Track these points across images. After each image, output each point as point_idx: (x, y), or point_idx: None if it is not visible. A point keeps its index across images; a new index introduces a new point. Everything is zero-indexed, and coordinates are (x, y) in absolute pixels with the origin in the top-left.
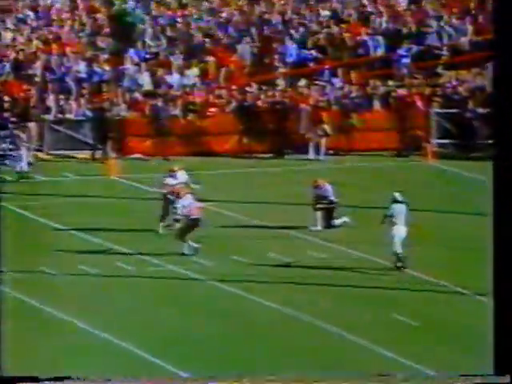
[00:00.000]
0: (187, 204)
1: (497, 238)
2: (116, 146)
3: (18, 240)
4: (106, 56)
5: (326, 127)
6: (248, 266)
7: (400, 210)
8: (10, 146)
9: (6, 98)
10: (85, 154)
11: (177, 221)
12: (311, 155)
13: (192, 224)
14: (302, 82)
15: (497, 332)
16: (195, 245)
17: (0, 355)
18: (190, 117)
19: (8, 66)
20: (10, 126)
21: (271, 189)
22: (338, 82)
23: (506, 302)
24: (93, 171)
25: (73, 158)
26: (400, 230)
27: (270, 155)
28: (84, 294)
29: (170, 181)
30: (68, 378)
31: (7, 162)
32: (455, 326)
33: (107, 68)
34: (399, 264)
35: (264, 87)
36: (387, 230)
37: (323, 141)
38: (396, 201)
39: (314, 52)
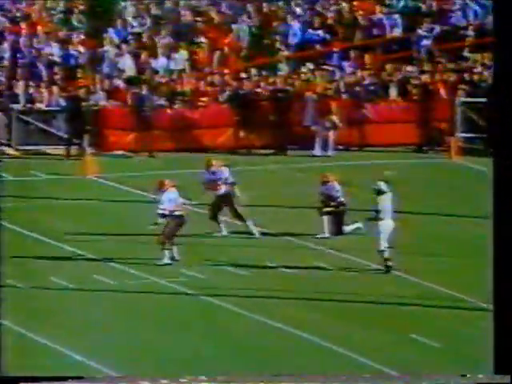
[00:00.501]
0: (173, 198)
1: (497, 238)
2: (94, 141)
3: None
4: (81, 37)
5: (335, 119)
6: (244, 279)
7: (387, 201)
8: None
9: None
10: (58, 150)
11: (163, 216)
12: (317, 151)
13: (178, 222)
14: (308, 67)
15: (497, 332)
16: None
17: (0, 355)
18: (179, 107)
19: None
20: None
21: (271, 189)
22: (348, 66)
23: (506, 302)
24: (68, 170)
25: (45, 154)
26: (388, 226)
27: (271, 151)
28: (55, 310)
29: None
30: (68, 378)
31: None
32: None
33: (83, 50)
34: (388, 263)
35: (263, 73)
36: (372, 227)
37: (331, 134)
38: (381, 191)
39: (321, 32)
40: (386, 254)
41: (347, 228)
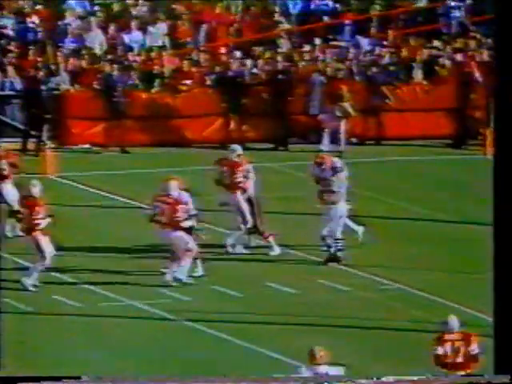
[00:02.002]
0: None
1: (497, 238)
2: (55, 133)
3: None
4: (38, 7)
5: (347, 106)
6: (238, 301)
7: (343, 181)
8: None
9: None
10: (13, 144)
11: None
12: (326, 145)
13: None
14: (314, 44)
15: (497, 332)
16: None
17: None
18: (156, 91)
19: None
20: None
21: (269, 191)
22: (364, 42)
23: (505, 301)
24: (24, 167)
25: None
26: (342, 212)
27: (269, 145)
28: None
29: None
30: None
31: None
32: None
33: (39, 22)
34: (332, 254)
35: (260, 50)
36: (324, 210)
37: (343, 125)
38: (336, 169)
39: (330, 1)
40: (329, 241)
41: (354, 226)
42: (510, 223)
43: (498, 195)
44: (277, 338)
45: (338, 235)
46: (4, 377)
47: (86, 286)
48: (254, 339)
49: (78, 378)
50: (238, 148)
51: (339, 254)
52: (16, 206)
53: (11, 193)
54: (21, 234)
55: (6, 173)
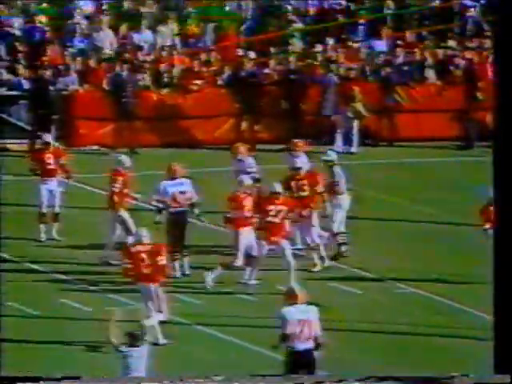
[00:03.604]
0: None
1: (497, 238)
2: (63, 134)
3: None
4: (44, 5)
5: (359, 106)
6: (249, 305)
7: (341, 173)
8: None
9: None
10: (20, 145)
11: (159, 211)
12: (339, 146)
13: (174, 220)
14: (327, 43)
15: (497, 332)
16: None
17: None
18: (167, 91)
19: None
20: None
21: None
22: (377, 42)
23: (506, 301)
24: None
25: (4, 149)
26: (346, 204)
27: (280, 146)
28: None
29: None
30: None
31: None
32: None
33: (45, 21)
34: (342, 250)
35: (272, 50)
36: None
37: (355, 126)
38: (331, 161)
39: (343, 0)
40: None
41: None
42: (510, 224)
43: (498, 196)
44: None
45: (342, 228)
46: (4, 376)
47: (94, 288)
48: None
49: (78, 378)
50: (246, 179)
51: (343, 248)
52: (45, 209)
53: (51, 192)
54: (57, 237)
55: (51, 167)
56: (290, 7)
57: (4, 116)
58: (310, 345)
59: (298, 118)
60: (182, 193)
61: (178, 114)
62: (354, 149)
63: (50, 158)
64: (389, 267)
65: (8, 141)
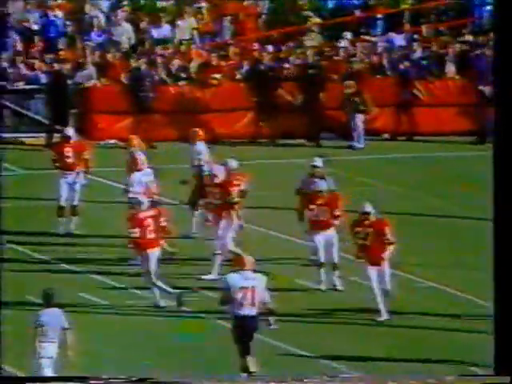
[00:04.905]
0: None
1: (497, 236)
2: (81, 128)
3: None
4: (61, 1)
5: (362, 100)
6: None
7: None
8: None
9: None
10: (37, 139)
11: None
12: (353, 141)
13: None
14: (345, 38)
15: (497, 332)
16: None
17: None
18: (185, 85)
19: None
20: None
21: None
22: (396, 36)
23: (506, 300)
24: (48, 163)
25: (20, 143)
26: None
27: (299, 141)
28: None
29: None
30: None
31: None
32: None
33: (63, 16)
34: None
35: (290, 44)
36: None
37: (359, 120)
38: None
39: None
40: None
41: None
42: (510, 221)
43: (498, 193)
44: (309, 336)
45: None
46: (6, 376)
47: (114, 283)
48: (287, 338)
49: (85, 378)
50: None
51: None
52: (63, 203)
53: (70, 186)
54: (75, 230)
55: (71, 161)
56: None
57: (21, 110)
58: (254, 311)
59: (316, 112)
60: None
61: (196, 108)
62: (358, 144)
63: (69, 152)
64: (409, 261)
65: (24, 134)
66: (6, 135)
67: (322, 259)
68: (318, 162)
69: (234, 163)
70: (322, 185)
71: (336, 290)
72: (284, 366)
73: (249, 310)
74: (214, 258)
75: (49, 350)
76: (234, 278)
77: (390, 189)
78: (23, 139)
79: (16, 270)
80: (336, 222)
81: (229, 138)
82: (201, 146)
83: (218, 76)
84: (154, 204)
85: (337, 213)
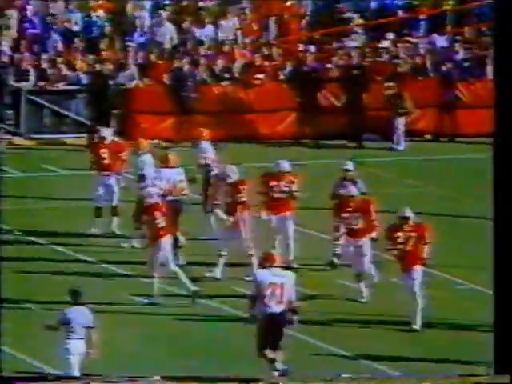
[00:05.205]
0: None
1: (497, 234)
2: (122, 128)
3: None
4: (102, 1)
5: (407, 103)
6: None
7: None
8: None
9: None
10: (78, 139)
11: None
12: (396, 142)
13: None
14: (388, 39)
15: (497, 331)
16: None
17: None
18: (228, 86)
19: None
20: None
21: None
22: (438, 38)
23: (506, 300)
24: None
25: (61, 144)
26: None
27: (342, 142)
28: None
29: None
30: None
31: None
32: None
33: (104, 16)
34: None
35: (334, 45)
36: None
37: (400, 122)
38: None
39: None
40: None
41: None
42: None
43: (498, 193)
44: (348, 338)
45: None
46: (4, 376)
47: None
48: (325, 339)
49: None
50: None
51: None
52: (100, 204)
53: (108, 187)
54: (116, 231)
55: (107, 162)
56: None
57: (61, 110)
58: (282, 308)
59: (359, 113)
60: (181, 182)
61: (239, 108)
62: (397, 145)
63: (105, 153)
64: (448, 263)
65: (65, 135)
66: (47, 136)
67: (358, 269)
68: (350, 165)
69: (286, 165)
70: (354, 189)
71: (360, 302)
72: (324, 367)
73: (276, 307)
74: (220, 258)
75: (76, 346)
76: (263, 274)
77: (430, 190)
78: (64, 139)
79: (57, 271)
80: (370, 230)
81: (271, 138)
82: (206, 146)
83: (261, 76)
84: (181, 202)
85: (370, 219)
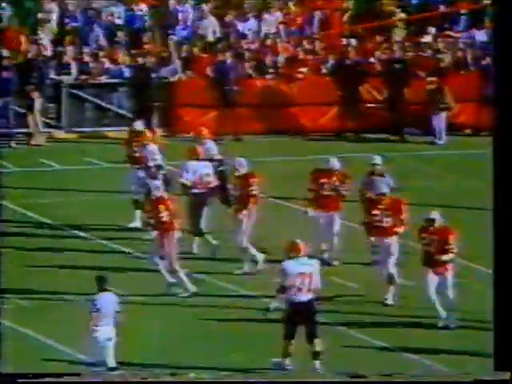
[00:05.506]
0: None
1: (497, 233)
2: (165, 121)
3: (18, 257)
4: None
5: (448, 98)
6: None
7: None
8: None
9: (6, 53)
10: (119, 132)
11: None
12: (437, 136)
13: (194, 204)
14: (429, 33)
15: (497, 329)
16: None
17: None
18: (271, 79)
19: (9, 8)
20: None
21: None
22: (478, 32)
23: (506, 299)
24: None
25: (103, 137)
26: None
27: (383, 136)
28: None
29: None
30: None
31: (13, 144)
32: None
33: (147, 10)
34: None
35: (377, 38)
36: None
37: (442, 116)
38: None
39: None
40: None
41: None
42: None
43: (498, 193)
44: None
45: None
46: (5, 373)
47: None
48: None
49: (78, 374)
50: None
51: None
52: (137, 196)
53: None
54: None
55: (141, 155)
56: None
57: (103, 103)
58: (310, 296)
59: (400, 107)
60: (207, 175)
61: (282, 101)
62: (438, 139)
63: (138, 146)
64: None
65: (107, 128)
66: (88, 129)
67: (390, 270)
68: (378, 159)
69: (336, 163)
70: (384, 186)
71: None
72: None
73: (305, 296)
74: (245, 253)
75: (105, 332)
76: (291, 265)
77: (470, 184)
78: (105, 132)
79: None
80: (399, 230)
81: (315, 131)
82: (209, 143)
83: (303, 70)
84: (206, 195)
85: (400, 219)
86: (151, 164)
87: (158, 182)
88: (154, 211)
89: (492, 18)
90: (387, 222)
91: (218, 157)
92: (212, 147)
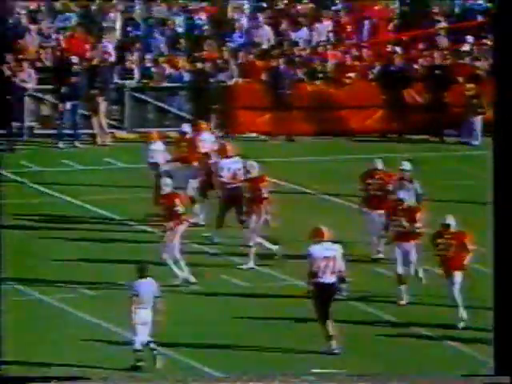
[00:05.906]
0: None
1: (497, 231)
2: (222, 122)
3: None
4: (203, 4)
5: (484, 102)
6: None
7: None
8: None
9: (74, 59)
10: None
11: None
12: (471, 138)
13: (229, 198)
14: (468, 41)
15: (497, 332)
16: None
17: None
18: (321, 84)
19: (76, 17)
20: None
21: (426, 181)
22: None
23: (506, 300)
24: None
25: (164, 137)
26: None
27: (423, 137)
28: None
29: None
30: (69, 378)
31: (77, 143)
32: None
33: (205, 18)
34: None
35: (421, 46)
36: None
37: (479, 120)
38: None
39: (482, 1)
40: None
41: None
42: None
43: (498, 194)
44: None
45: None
46: (5, 377)
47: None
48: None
49: (79, 378)
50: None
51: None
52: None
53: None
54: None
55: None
56: (436, 8)
57: (165, 106)
58: (334, 279)
59: (442, 110)
60: (239, 170)
61: (331, 104)
62: (474, 141)
63: (184, 146)
64: None
65: (168, 129)
66: (149, 130)
67: (400, 271)
68: (406, 165)
69: (379, 164)
70: (406, 194)
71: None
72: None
73: (329, 279)
74: (250, 249)
75: (142, 315)
76: (317, 249)
77: None
78: (167, 133)
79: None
80: (415, 236)
81: (361, 132)
82: (206, 136)
83: (351, 75)
84: (240, 190)
85: (418, 224)
86: (155, 160)
87: (169, 180)
88: (165, 206)
89: (493, 22)
90: (405, 227)
91: (215, 148)
92: (208, 139)
